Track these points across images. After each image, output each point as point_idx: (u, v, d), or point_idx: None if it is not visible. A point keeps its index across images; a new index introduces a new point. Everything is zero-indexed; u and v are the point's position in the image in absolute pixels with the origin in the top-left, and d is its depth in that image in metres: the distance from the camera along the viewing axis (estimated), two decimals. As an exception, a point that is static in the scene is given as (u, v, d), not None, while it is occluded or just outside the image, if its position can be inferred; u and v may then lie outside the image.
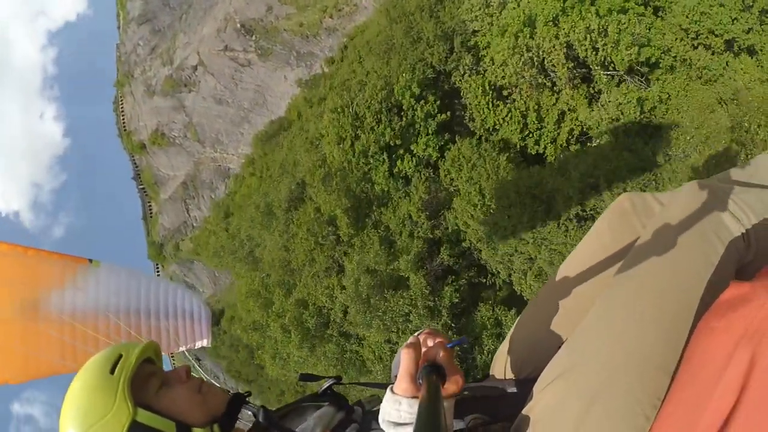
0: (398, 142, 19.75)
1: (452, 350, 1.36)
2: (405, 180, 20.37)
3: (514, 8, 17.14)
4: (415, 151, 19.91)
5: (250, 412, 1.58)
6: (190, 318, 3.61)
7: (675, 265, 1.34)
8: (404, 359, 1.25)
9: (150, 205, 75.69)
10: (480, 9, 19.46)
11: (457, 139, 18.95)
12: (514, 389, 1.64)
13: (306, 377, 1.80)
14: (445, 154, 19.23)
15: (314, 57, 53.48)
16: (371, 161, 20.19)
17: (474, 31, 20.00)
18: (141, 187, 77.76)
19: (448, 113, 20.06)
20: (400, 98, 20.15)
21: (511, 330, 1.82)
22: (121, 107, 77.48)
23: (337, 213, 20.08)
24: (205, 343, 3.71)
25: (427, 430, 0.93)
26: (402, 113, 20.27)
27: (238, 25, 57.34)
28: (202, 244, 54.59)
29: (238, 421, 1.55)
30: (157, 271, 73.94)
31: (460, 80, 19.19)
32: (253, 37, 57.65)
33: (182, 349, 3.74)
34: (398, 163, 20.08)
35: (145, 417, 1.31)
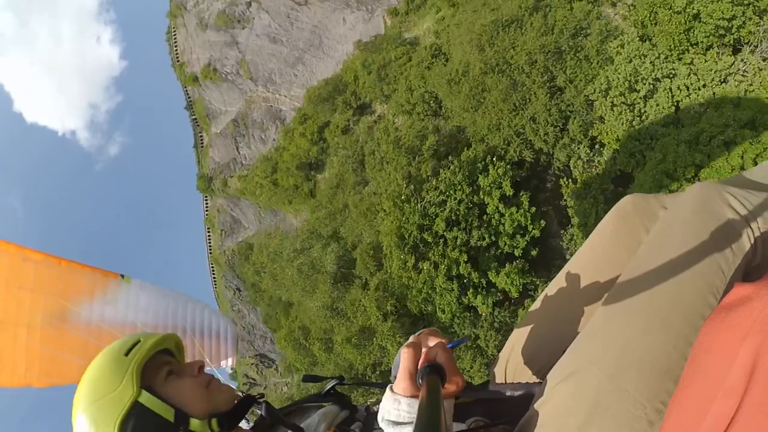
0: (474, 274, 16.30)
1: (452, 351, 1.35)
2: (474, 313, 17.43)
3: (667, 100, 13.74)
4: (493, 281, 16.54)
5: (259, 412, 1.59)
6: (216, 338, 3.64)
7: (682, 269, 1.32)
8: (404, 359, 1.25)
9: (201, 136, 77.10)
10: (619, 92, 14.89)
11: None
12: (515, 393, 1.63)
13: (310, 378, 1.80)
14: (530, 290, 15.76)
15: (376, 1, 51.73)
16: (438, 290, 17.02)
17: (601, 118, 15.49)
18: (193, 117, 78.86)
19: (542, 223, 16.12)
20: (484, 197, 16.57)
21: (513, 334, 1.80)
22: (174, 38, 77.33)
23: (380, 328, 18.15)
24: (229, 362, 3.75)
25: (427, 429, 0.92)
26: (484, 216, 16.45)
27: (297, -39, 55.62)
28: (249, 190, 56.06)
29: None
30: (206, 203, 76.81)
31: (565, 181, 15.41)
32: (311, -26, 55.95)
33: (207, 369, 4.42)
34: (469, 294, 16.81)
35: (147, 399, 1.36)
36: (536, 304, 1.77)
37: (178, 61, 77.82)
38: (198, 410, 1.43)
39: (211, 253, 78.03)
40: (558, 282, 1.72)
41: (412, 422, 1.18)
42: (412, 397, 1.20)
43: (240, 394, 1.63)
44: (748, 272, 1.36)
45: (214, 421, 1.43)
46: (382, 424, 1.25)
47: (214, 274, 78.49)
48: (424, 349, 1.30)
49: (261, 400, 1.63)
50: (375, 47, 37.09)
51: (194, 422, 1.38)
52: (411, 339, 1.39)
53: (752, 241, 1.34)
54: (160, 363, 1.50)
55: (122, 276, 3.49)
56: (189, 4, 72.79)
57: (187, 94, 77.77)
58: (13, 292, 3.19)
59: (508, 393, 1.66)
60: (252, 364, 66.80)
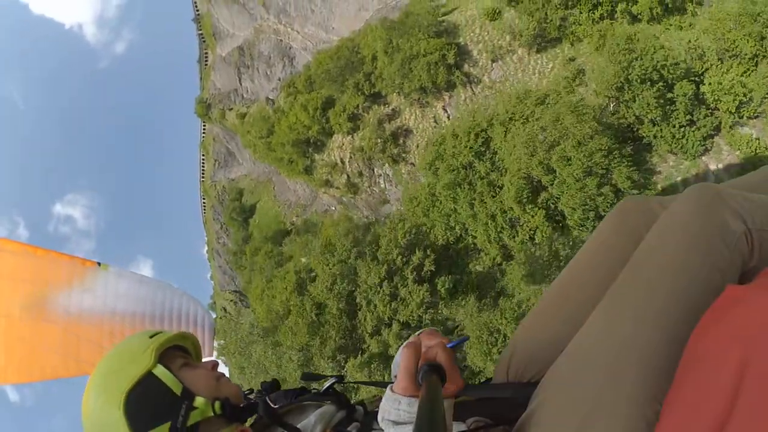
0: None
1: (452, 350, 1.35)
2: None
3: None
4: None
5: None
6: (194, 326, 3.54)
7: (679, 270, 1.32)
8: (404, 359, 1.23)
9: (206, 54, 71.72)
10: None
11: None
12: (516, 393, 1.59)
13: (308, 377, 1.81)
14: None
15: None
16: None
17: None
18: (200, 32, 73.22)
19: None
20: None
21: (515, 334, 1.79)
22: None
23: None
24: (206, 353, 3.55)
25: (427, 429, 0.92)
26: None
27: None
28: (245, 137, 51.98)
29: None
30: (203, 127, 72.66)
31: None
32: None
33: None
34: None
35: (160, 372, 1.43)
36: (538, 303, 1.79)
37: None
38: (204, 392, 1.50)
39: (203, 180, 74.92)
40: (559, 282, 1.73)
41: (412, 422, 1.19)
42: (412, 396, 1.21)
43: (250, 398, 1.74)
44: (744, 273, 1.37)
45: (217, 404, 1.48)
46: (382, 424, 1.26)
47: (204, 201, 75.80)
48: (423, 349, 1.29)
49: (258, 397, 1.73)
50: (403, 29, 30.96)
51: (199, 399, 1.45)
52: (411, 339, 1.39)
53: (749, 243, 1.35)
54: (178, 354, 1.59)
55: (99, 264, 3.40)
56: None
57: (196, 6, 70.99)
58: None
59: (509, 393, 1.64)
60: (231, 300, 65.68)
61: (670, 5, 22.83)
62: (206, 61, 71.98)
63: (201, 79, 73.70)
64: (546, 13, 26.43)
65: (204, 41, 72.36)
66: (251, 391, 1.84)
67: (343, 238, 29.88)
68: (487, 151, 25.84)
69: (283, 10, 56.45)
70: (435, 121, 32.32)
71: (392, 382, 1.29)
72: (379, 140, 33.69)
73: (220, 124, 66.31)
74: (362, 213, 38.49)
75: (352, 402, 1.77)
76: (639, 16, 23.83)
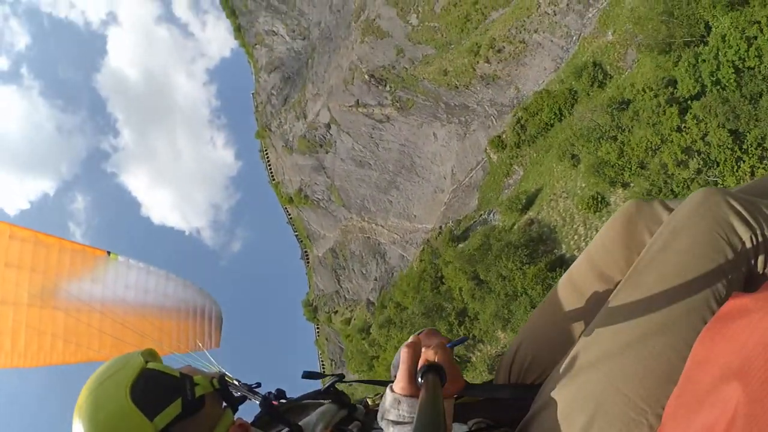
0: None
1: (452, 350, 1.34)
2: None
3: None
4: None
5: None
6: (201, 316, 3.57)
7: (683, 275, 1.30)
8: (404, 359, 1.24)
9: (306, 252, 71.69)
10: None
11: None
12: (517, 395, 1.59)
13: (309, 375, 1.81)
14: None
15: (470, 112, 40.36)
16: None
17: None
18: (295, 234, 74.42)
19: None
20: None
21: (518, 336, 1.75)
22: (267, 158, 73.44)
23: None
24: (212, 344, 3.69)
25: (427, 429, 0.91)
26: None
27: (366, 76, 46.53)
28: (349, 350, 47.82)
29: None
30: (317, 329, 70.39)
31: None
32: (387, 88, 46.41)
33: (191, 350, 3.49)
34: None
35: (154, 365, 1.44)
36: (541, 306, 1.76)
37: (273, 179, 73.70)
38: (200, 373, 1.51)
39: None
40: (562, 284, 1.69)
41: (412, 422, 1.18)
42: (412, 396, 1.20)
43: (236, 383, 1.71)
44: (750, 278, 1.34)
45: (214, 380, 1.49)
46: (381, 424, 1.25)
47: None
48: (423, 349, 1.28)
49: (257, 394, 1.71)
50: (486, 261, 24.60)
51: (197, 377, 1.46)
52: (411, 339, 1.36)
53: (755, 248, 1.32)
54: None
55: (108, 253, 3.42)
56: (273, 125, 68.24)
57: (287, 211, 72.95)
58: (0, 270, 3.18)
59: (511, 394, 1.62)
60: None
61: None
62: (307, 258, 71.96)
63: (306, 274, 73.50)
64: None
65: (301, 241, 73.10)
66: (258, 384, 1.78)
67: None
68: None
69: (363, 207, 54.64)
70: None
71: (392, 382, 1.27)
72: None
73: (330, 326, 63.36)
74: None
75: (352, 401, 1.75)
76: None
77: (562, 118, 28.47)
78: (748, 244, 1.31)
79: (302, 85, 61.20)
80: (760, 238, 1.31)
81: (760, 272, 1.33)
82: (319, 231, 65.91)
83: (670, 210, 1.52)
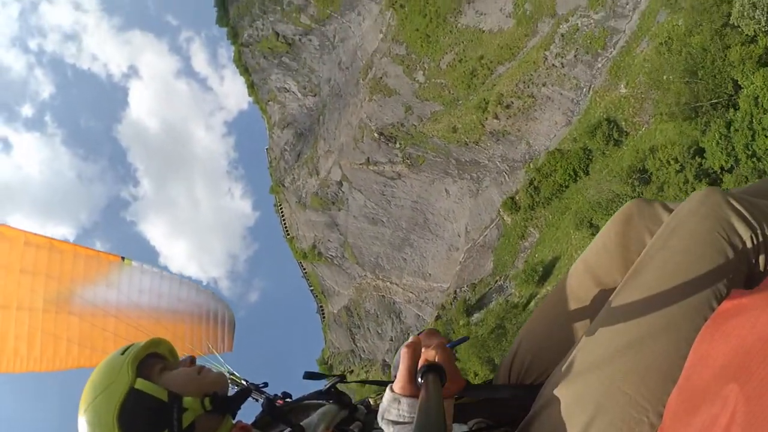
0: None
1: (452, 350, 1.34)
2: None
3: None
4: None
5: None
6: (214, 322, 3.60)
7: (684, 274, 1.30)
8: (404, 359, 1.24)
9: (322, 308, 69.70)
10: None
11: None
12: (518, 395, 1.58)
13: (311, 376, 1.82)
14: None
15: (482, 168, 38.85)
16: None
17: None
18: (310, 288, 72.73)
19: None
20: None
21: (518, 336, 1.75)
22: (282, 213, 72.79)
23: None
24: (226, 348, 3.71)
25: (427, 429, 0.91)
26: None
27: (376, 134, 45.70)
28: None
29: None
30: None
31: None
32: (397, 145, 45.39)
33: (204, 353, 3.50)
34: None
35: (142, 384, 1.42)
36: (542, 306, 1.76)
37: (288, 234, 72.73)
38: (190, 390, 1.47)
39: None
40: (563, 284, 1.70)
41: (412, 422, 1.18)
42: (412, 396, 1.20)
43: (244, 383, 1.73)
44: (750, 277, 1.35)
45: (206, 400, 1.47)
46: (382, 424, 1.24)
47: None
48: (423, 349, 1.28)
49: (263, 393, 1.72)
50: (490, 342, 22.49)
51: (187, 400, 1.44)
52: (411, 339, 1.35)
53: (756, 247, 1.33)
54: (154, 362, 1.56)
55: (123, 258, 3.44)
56: (287, 181, 67.85)
57: (302, 266, 71.47)
58: (15, 276, 3.19)
59: (511, 394, 1.61)
60: None
61: None
62: (323, 313, 70.01)
63: (322, 330, 71.35)
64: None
65: (316, 296, 71.40)
66: (266, 384, 1.78)
67: None
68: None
69: (377, 265, 52.90)
70: None
71: (392, 382, 1.27)
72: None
73: (345, 387, 60.49)
74: None
75: (354, 402, 1.75)
76: None
77: (578, 179, 26.56)
78: (749, 244, 1.30)
79: (314, 142, 60.93)
80: (760, 238, 1.31)
81: (761, 271, 1.32)
82: (333, 287, 64.18)
83: (670, 211, 1.52)
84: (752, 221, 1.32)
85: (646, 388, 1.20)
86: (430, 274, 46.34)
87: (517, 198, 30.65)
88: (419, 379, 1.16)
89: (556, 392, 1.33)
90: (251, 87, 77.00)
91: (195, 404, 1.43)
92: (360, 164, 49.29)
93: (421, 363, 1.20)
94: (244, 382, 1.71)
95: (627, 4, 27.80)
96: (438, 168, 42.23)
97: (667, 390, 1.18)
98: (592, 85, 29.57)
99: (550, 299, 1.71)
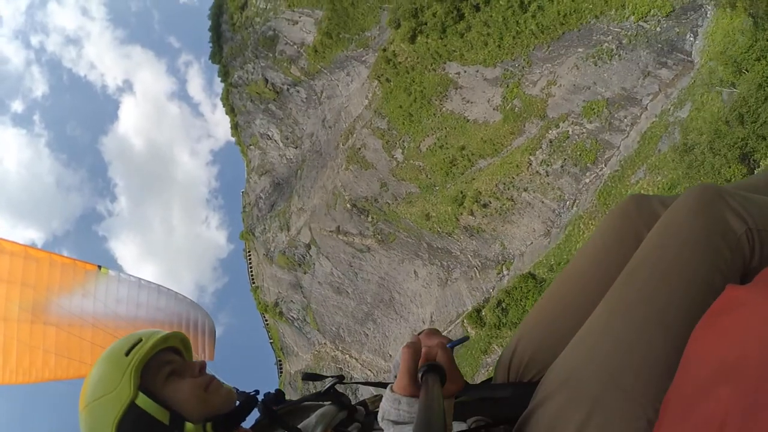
0: None
1: (452, 350, 1.33)
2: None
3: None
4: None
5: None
6: (194, 330, 3.45)
7: (679, 270, 1.30)
8: (404, 358, 1.24)
9: (280, 362, 66.24)
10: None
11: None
12: (516, 393, 1.57)
13: (309, 377, 1.79)
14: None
15: (453, 258, 37.09)
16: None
17: None
18: (270, 341, 69.32)
19: None
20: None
21: (516, 334, 1.75)
22: (249, 261, 69.95)
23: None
24: (206, 357, 3.61)
25: (427, 429, 0.92)
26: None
27: (349, 205, 43.97)
28: None
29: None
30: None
31: None
32: (369, 219, 43.68)
33: None
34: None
35: (144, 402, 1.36)
36: (540, 303, 1.76)
37: (253, 283, 69.68)
38: (194, 414, 1.44)
39: None
40: (560, 280, 1.70)
41: (412, 422, 1.18)
42: (412, 396, 1.21)
43: (246, 392, 1.71)
44: (745, 273, 1.36)
45: (209, 425, 1.43)
46: (382, 424, 1.25)
47: None
48: (423, 349, 1.29)
49: (259, 398, 1.68)
50: None
51: (189, 426, 1.39)
52: (411, 338, 1.38)
53: (750, 243, 1.34)
54: (162, 362, 1.50)
55: (99, 267, 3.35)
56: (257, 230, 65.42)
57: (264, 318, 68.24)
58: None
59: (510, 392, 1.61)
60: None
61: None
62: (281, 368, 66.55)
63: (279, 386, 67.39)
64: None
65: (275, 350, 68.10)
66: (257, 392, 1.71)
67: None
68: None
69: (338, 336, 50.33)
70: None
71: (392, 382, 1.27)
72: None
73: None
74: None
75: (353, 402, 1.73)
76: None
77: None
78: (743, 239, 1.30)
79: (289, 195, 59.01)
80: (755, 233, 1.31)
81: (756, 266, 1.32)
82: (293, 347, 61.27)
83: (667, 206, 1.50)
84: (746, 216, 1.31)
85: (642, 384, 1.19)
86: (390, 356, 43.79)
87: (483, 314, 28.71)
88: (419, 379, 1.15)
89: (552, 389, 1.31)
90: (235, 128, 75.32)
91: (197, 430, 1.37)
92: (330, 231, 47.29)
93: (420, 363, 1.19)
94: (246, 392, 1.58)
95: (625, 118, 26.52)
96: (409, 248, 40.42)
97: (663, 386, 1.16)
98: (577, 200, 28.17)
99: (548, 296, 1.68)
